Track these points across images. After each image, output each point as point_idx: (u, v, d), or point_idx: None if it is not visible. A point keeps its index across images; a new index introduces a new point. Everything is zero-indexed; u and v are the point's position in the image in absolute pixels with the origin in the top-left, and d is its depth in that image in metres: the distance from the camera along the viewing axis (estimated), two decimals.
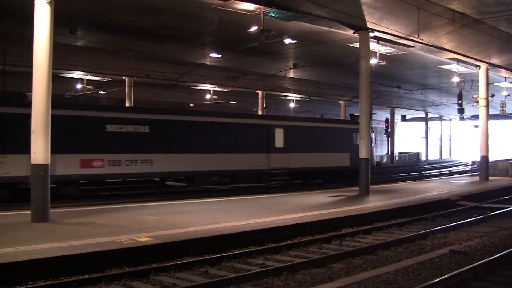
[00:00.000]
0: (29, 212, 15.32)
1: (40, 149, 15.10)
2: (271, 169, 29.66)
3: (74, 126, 22.19)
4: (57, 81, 36.78)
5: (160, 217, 16.61)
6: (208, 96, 46.59)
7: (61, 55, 27.30)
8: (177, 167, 25.63)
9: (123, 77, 38.88)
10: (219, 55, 33.69)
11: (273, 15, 21.54)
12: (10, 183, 20.57)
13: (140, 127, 24.50)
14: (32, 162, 15.18)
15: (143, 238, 12.77)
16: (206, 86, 44.18)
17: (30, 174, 15.72)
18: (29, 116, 15.57)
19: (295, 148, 30.59)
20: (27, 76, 16.03)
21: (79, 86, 38.69)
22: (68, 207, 18.98)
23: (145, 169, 24.41)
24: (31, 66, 15.31)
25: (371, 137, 33.46)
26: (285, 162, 29.92)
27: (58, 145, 18.97)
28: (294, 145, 30.61)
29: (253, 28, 21.06)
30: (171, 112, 28.55)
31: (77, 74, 36.64)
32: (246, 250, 13.29)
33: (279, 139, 30.32)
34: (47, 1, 15.05)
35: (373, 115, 42.86)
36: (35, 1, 15.19)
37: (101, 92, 40.51)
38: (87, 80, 38.10)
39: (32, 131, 15.19)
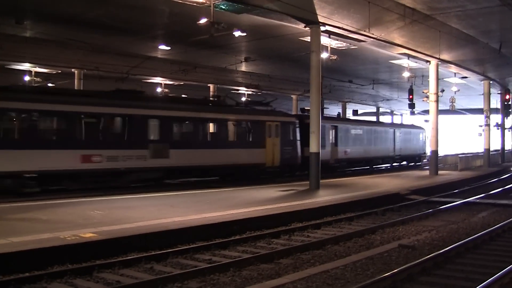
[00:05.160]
0: None
1: None
2: (394, 155, 49.90)
3: (343, 131, 40.85)
4: (3, 73, 36.27)
5: (106, 212, 16.26)
6: (159, 90, 46.08)
7: (7, 46, 26.62)
8: (373, 154, 46.04)
9: (73, 70, 38.09)
10: (169, 48, 33.31)
11: (223, 7, 21.35)
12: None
13: (359, 130, 43.65)
14: None
15: (88, 234, 12.44)
16: (157, 79, 43.69)
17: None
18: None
19: (402, 143, 50.92)
20: None
21: (27, 78, 37.83)
22: (13, 203, 18.40)
23: (362, 154, 43.85)
24: None
25: (425, 135, 56.34)
26: (398, 150, 50.27)
27: (334, 142, 39.38)
28: (402, 140, 50.96)
29: (203, 20, 20.77)
30: (373, 124, 49.85)
31: (25, 66, 35.79)
32: (193, 246, 13.06)
33: (397, 137, 50.08)
34: None
35: (324, 109, 43.35)
36: None
37: (50, 84, 39.73)
38: (35, 72, 37.26)
39: None
